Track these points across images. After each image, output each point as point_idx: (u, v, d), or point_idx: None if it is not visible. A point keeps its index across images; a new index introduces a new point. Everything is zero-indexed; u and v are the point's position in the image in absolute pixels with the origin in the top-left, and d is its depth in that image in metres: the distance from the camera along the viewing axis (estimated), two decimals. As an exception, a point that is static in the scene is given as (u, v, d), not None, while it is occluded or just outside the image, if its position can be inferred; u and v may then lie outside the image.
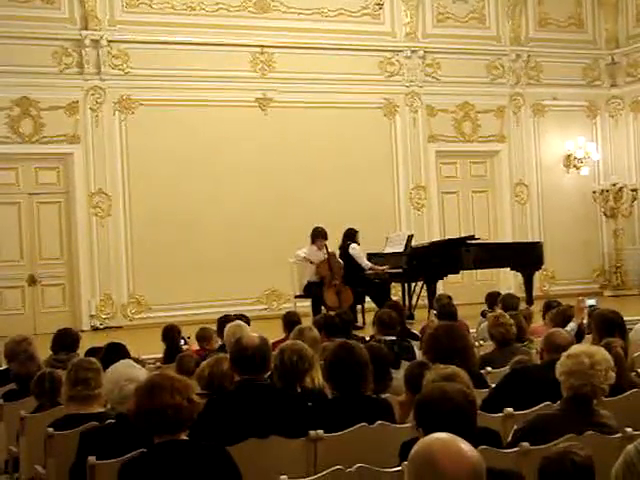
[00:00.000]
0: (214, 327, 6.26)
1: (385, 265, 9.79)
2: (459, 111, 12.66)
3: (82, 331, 9.19)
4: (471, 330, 6.38)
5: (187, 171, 11.19)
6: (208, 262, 11.10)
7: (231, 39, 11.36)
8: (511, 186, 12.96)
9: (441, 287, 10.45)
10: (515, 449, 3.01)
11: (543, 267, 10.84)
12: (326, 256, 9.43)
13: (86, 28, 10.81)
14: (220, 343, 5.82)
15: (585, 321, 5.84)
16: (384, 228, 11.20)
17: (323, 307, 9.18)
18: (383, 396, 3.82)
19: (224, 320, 5.89)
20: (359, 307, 9.59)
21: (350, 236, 9.83)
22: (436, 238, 11.59)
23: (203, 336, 6.15)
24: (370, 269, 9.72)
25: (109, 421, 3.38)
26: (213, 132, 11.30)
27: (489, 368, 4.63)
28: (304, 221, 10.45)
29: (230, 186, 11.34)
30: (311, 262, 9.44)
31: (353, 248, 9.69)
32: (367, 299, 9.70)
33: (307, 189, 11.60)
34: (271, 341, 4.19)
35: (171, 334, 6.26)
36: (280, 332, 6.15)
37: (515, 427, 3.28)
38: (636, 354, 4.77)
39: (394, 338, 5.44)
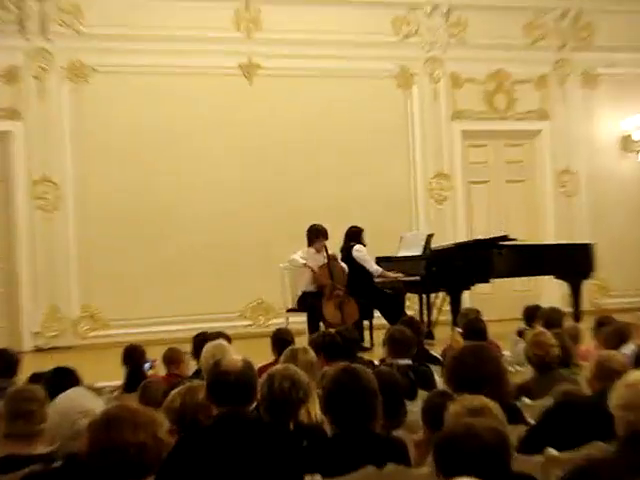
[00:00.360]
0: (187, 348, 6.28)
1: (398, 272, 9.80)
2: (491, 81, 12.68)
3: (23, 352, 9.17)
4: (504, 352, 6.41)
5: (155, 155, 11.20)
6: (180, 268, 11.10)
7: (209, -9, 11.40)
8: (555, 174, 12.98)
9: (467, 299, 10.45)
10: (559, 500, 3.01)
11: (594, 275, 10.85)
12: (326, 260, 9.43)
13: (29, -24, 10.83)
14: (195, 367, 5.83)
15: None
16: (397, 226, 11.22)
17: (322, 323, 9.19)
18: (395, 433, 3.82)
19: (202, 339, 5.90)
20: (366, 323, 9.60)
21: (354, 236, 9.83)
22: (462, 238, 11.61)
23: (171, 358, 6.18)
24: (380, 276, 9.72)
25: (56, 463, 3.38)
26: (187, 107, 11.31)
27: (526, 399, 4.65)
28: (299, 217, 10.47)
29: (208, 174, 11.35)
30: (313, 271, 9.40)
31: (358, 250, 9.69)
32: (376, 314, 9.70)
33: (303, 178, 11.61)
34: (257, 365, 4.20)
35: (134, 356, 6.28)
36: (268, 354, 6.17)
37: (559, 473, 3.28)
38: None
39: (409, 362, 5.46)
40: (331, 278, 9.39)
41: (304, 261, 9.46)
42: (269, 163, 11.55)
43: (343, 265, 9.58)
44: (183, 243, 11.19)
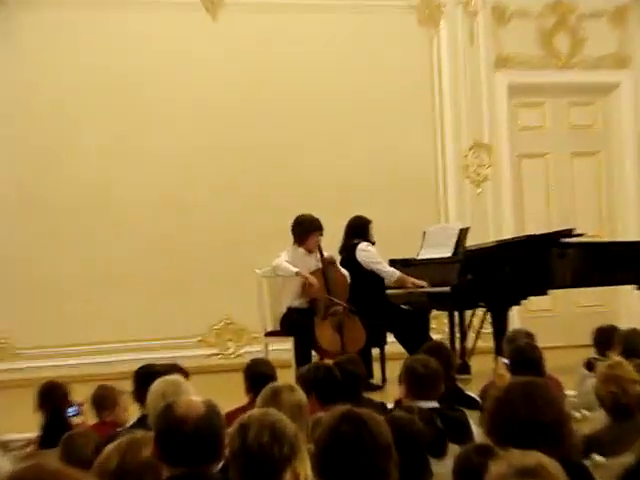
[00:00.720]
0: (126, 386, 6.29)
1: (421, 280, 9.81)
2: (549, 15, 12.71)
3: None
4: (568, 392, 6.42)
5: (84, 119, 11.20)
6: (117, 278, 11.11)
7: None
8: (638, 144, 13.00)
9: (516, 318, 10.47)
10: None
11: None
12: (320, 265, 9.43)
13: None
14: (139, 413, 5.85)
15: None
16: (418, 217, 11.25)
17: (314, 352, 9.21)
18: (416, 504, 3.86)
19: (148, 373, 5.91)
20: (376, 352, 9.62)
21: (358, 230, 9.82)
22: (509, 234, 11.63)
23: (104, 400, 6.18)
24: (397, 282, 9.69)
25: None
26: (128, 52, 11.33)
27: (598, 456, 4.67)
28: (281, 206, 10.48)
29: (156, 145, 11.36)
30: (310, 284, 9.28)
31: (364, 250, 9.68)
32: (390, 338, 9.73)
33: (287, 150, 11.63)
34: (225, 410, 4.21)
35: (53, 398, 6.30)
36: (241, 394, 6.20)
37: None
38: None
39: (436, 405, 5.48)
40: (327, 290, 9.38)
41: (296, 269, 9.32)
42: (240, 131, 11.54)
43: (344, 272, 9.58)
44: (121, 242, 11.19)
